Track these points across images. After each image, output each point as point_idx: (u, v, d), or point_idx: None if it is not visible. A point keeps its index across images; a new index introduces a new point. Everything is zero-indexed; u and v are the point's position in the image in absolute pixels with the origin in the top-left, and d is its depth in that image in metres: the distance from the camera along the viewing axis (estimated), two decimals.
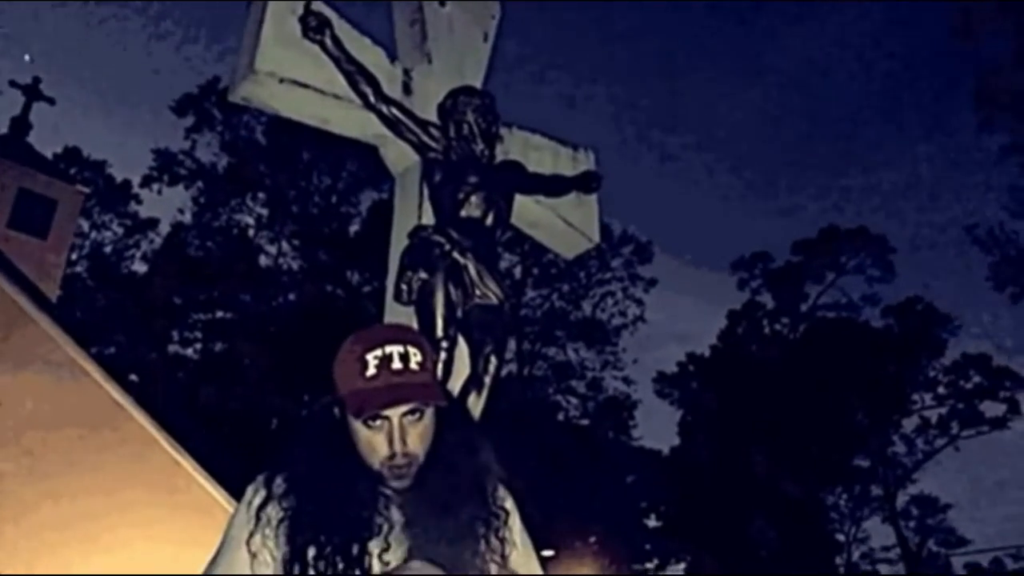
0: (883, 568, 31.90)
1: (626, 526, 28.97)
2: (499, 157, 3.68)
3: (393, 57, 3.66)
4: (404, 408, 1.58)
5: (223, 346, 27.85)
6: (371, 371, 1.56)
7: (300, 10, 3.31)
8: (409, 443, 1.58)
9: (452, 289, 3.24)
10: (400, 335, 1.64)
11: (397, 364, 1.57)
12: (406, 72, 3.65)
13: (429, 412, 1.62)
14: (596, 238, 4.28)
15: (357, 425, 1.60)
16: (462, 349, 3.28)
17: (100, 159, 30.64)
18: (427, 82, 3.67)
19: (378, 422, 1.58)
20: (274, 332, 26.00)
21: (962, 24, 23.28)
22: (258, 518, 1.61)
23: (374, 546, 1.57)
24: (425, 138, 3.48)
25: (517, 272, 30.22)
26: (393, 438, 1.58)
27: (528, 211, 3.92)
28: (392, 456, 1.57)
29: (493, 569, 1.64)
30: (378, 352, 1.58)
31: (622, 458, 30.75)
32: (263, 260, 29.47)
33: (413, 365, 1.58)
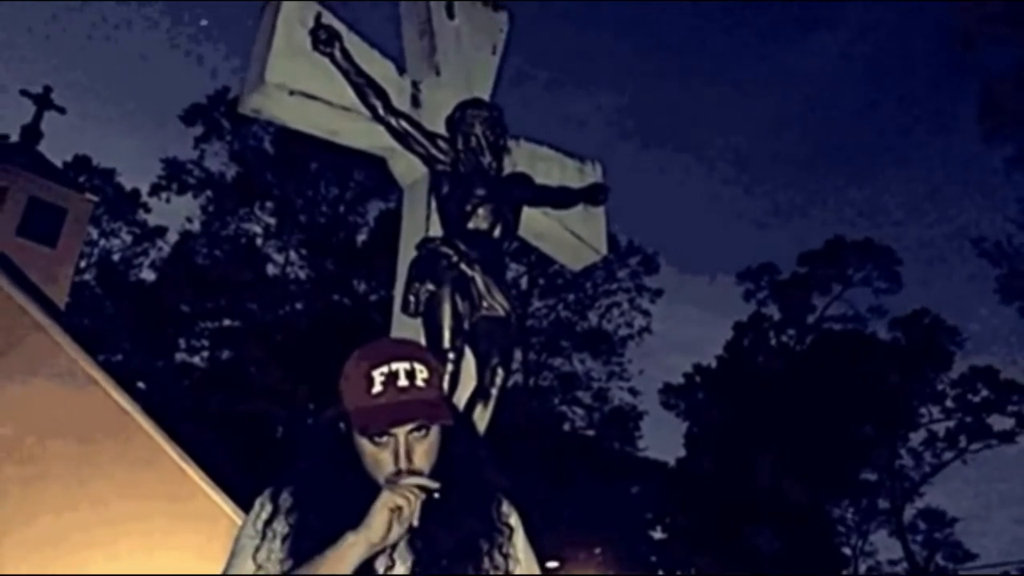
0: None
1: (631, 537, 28.89)
2: (507, 169, 3.69)
3: (402, 70, 3.67)
4: (410, 425, 1.58)
5: (230, 354, 27.87)
6: (377, 388, 1.57)
7: (311, 23, 3.34)
8: (415, 460, 1.59)
9: (459, 301, 3.24)
10: (406, 352, 1.65)
11: (403, 381, 1.57)
12: (415, 84, 3.66)
13: (435, 428, 1.63)
14: (603, 250, 4.28)
15: (363, 441, 1.60)
16: (469, 361, 3.28)
17: (109, 168, 30.73)
18: (436, 94, 3.69)
19: (384, 439, 1.59)
20: (281, 341, 26.02)
21: (967, 35, 23.27)
22: (265, 532, 1.62)
23: (379, 563, 1.58)
24: (433, 150, 3.49)
25: (523, 282, 30.20)
26: (399, 455, 1.58)
27: (535, 223, 3.93)
28: (398, 473, 1.58)
29: None
30: (384, 369, 1.58)
31: (628, 469, 30.67)
32: (271, 269, 29.53)
33: (419, 382, 1.59)
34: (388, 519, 1.50)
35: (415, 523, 1.54)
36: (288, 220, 29.43)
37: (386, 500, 1.51)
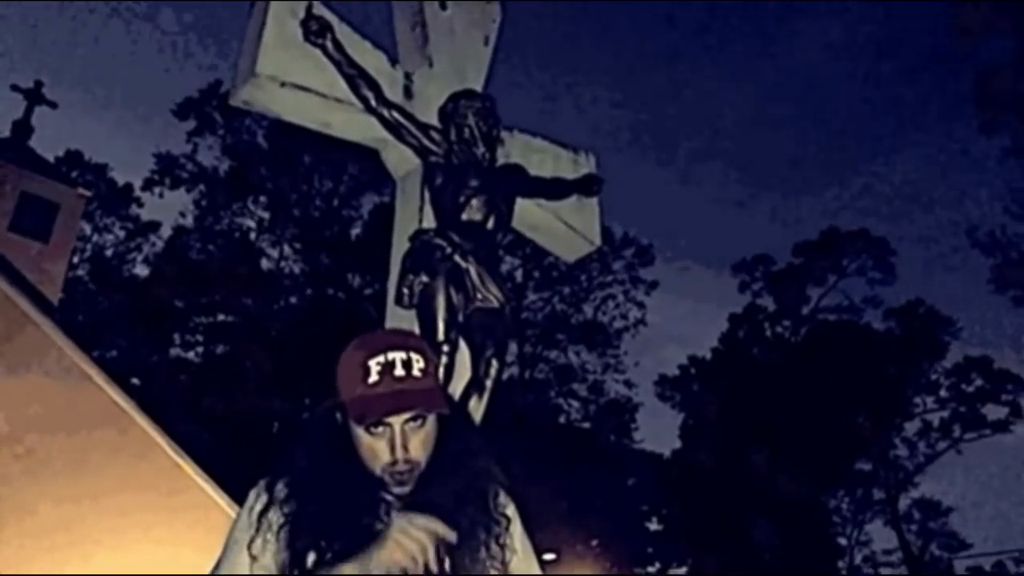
0: (885, 571, 31.88)
1: (627, 529, 28.94)
2: (500, 160, 3.68)
3: (394, 61, 3.66)
4: (406, 415, 1.58)
5: (224, 349, 27.83)
6: (373, 377, 1.57)
7: (302, 14, 3.32)
8: (411, 449, 1.59)
9: (453, 293, 3.24)
10: (403, 341, 1.64)
11: (399, 371, 1.57)
12: (407, 76, 3.65)
13: (431, 418, 1.62)
14: (597, 241, 4.28)
15: (359, 431, 1.60)
16: (463, 352, 3.28)
17: (102, 162, 30.75)
18: (428, 86, 3.67)
19: (380, 428, 1.58)
20: (275, 335, 26.00)
21: (963, 25, 23.27)
22: (259, 523, 1.61)
23: None
24: (426, 142, 3.48)
25: (518, 275, 30.22)
26: (395, 444, 1.58)
27: (529, 214, 3.92)
28: (394, 462, 1.58)
29: (493, 574, 1.64)
30: (380, 358, 1.58)
31: (623, 461, 30.72)
32: (264, 263, 29.48)
33: (416, 372, 1.58)
34: (389, 565, 1.47)
35: (434, 570, 1.49)
36: (282, 214, 29.40)
37: (392, 553, 1.46)
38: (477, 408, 3.16)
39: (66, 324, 12.31)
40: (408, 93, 3.59)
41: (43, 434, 10.59)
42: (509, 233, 3.73)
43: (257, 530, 1.61)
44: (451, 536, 1.50)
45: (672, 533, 31.43)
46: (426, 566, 1.47)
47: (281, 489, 1.65)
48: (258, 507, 1.64)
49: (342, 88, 3.37)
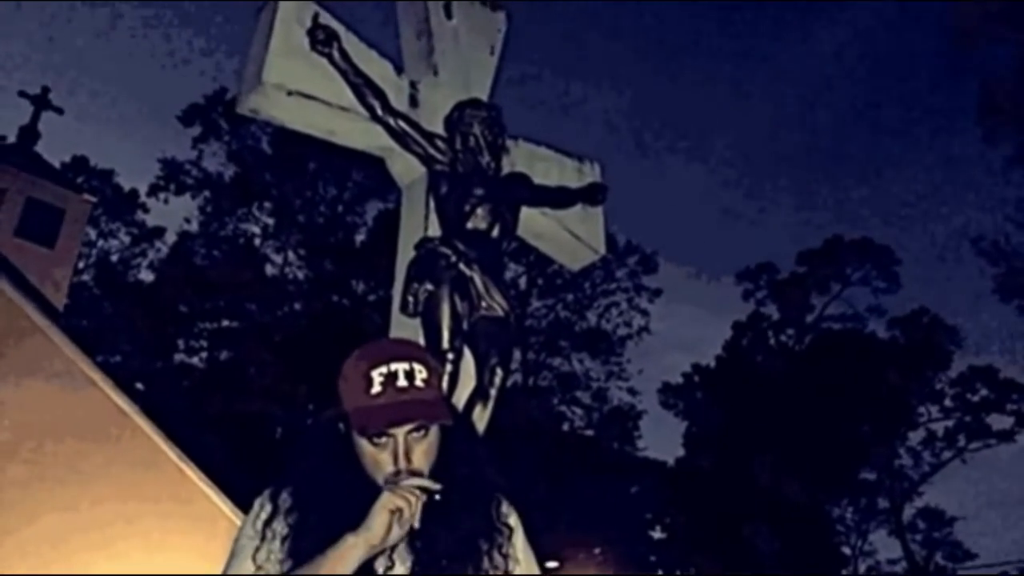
0: None
1: (631, 536, 28.88)
2: (505, 169, 3.69)
3: (400, 70, 3.67)
4: (409, 426, 1.58)
5: (229, 355, 27.85)
6: (376, 388, 1.57)
7: (308, 22, 3.33)
8: (413, 460, 1.59)
9: (458, 301, 3.24)
10: (406, 351, 1.65)
11: (402, 381, 1.57)
12: (413, 84, 3.66)
13: (434, 428, 1.63)
14: (602, 250, 4.27)
15: (362, 441, 1.60)
16: (468, 361, 3.28)
17: (107, 168, 30.74)
18: (434, 94, 3.68)
19: (383, 439, 1.59)
20: (280, 341, 26.00)
21: (966, 34, 23.28)
22: (264, 533, 1.62)
23: (379, 563, 1.58)
24: (431, 150, 3.49)
25: (522, 282, 30.21)
26: (398, 455, 1.58)
27: (534, 223, 3.93)
28: (397, 473, 1.58)
29: None
30: (383, 369, 1.58)
31: (627, 468, 30.66)
32: (269, 269, 29.48)
33: (418, 382, 1.58)
34: (388, 521, 1.50)
35: (416, 525, 1.54)
36: (286, 220, 29.41)
37: (386, 502, 1.51)
38: (482, 416, 3.16)
39: (71, 329, 12.33)
40: (413, 102, 3.60)
41: (47, 440, 10.60)
42: (514, 241, 3.73)
43: (262, 540, 1.61)
44: (436, 487, 1.54)
45: (675, 541, 31.35)
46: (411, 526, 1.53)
47: (285, 499, 1.66)
48: (263, 516, 1.64)
49: (348, 96, 3.38)
